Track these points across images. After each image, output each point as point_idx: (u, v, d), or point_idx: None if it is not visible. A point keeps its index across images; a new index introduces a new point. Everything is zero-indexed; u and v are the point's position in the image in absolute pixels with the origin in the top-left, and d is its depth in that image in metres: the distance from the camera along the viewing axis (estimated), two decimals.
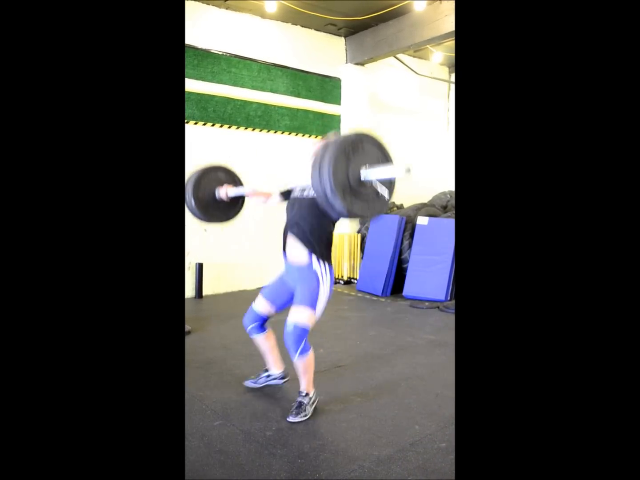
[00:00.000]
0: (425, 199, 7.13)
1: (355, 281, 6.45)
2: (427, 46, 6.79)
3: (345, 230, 6.73)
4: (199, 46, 5.56)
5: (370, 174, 1.90)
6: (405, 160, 2.02)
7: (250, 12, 5.89)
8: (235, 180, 3.05)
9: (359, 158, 1.91)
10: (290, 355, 2.47)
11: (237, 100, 5.87)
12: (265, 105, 6.11)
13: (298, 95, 6.39)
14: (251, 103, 5.99)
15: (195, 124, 5.58)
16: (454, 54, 7.11)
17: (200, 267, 5.57)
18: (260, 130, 6.11)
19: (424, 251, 5.58)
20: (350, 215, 1.91)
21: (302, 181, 2.63)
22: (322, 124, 6.64)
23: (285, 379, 2.89)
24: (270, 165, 6.22)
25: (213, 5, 5.65)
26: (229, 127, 5.85)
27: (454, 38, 5.56)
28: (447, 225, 5.52)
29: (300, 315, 2.45)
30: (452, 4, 5.28)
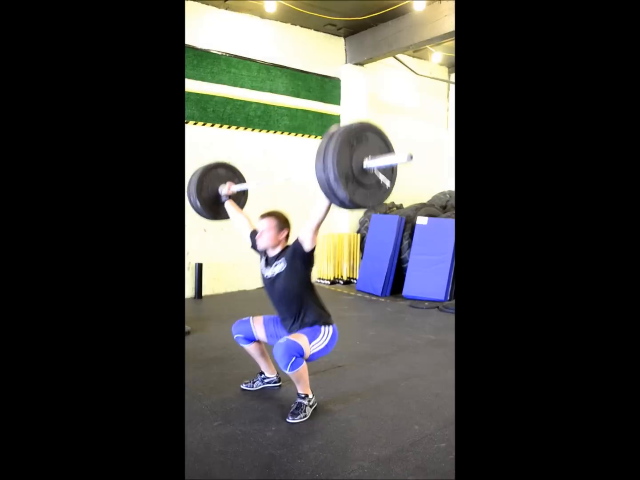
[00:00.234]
0: (425, 199, 7.13)
1: (355, 281, 6.46)
2: (427, 46, 6.79)
3: (344, 230, 6.73)
4: (199, 46, 5.56)
5: (373, 162, 1.92)
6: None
7: (249, 12, 5.89)
8: (235, 174, 3.06)
9: (362, 147, 1.92)
10: (281, 367, 2.41)
11: (237, 100, 5.87)
12: (265, 105, 6.11)
13: (297, 95, 6.39)
14: (251, 103, 5.99)
15: (195, 124, 5.59)
16: (453, 54, 7.11)
17: (199, 267, 5.57)
18: (260, 131, 6.12)
19: (423, 251, 5.58)
20: (352, 203, 1.91)
21: (262, 265, 2.66)
22: (322, 124, 6.64)
23: (280, 383, 2.89)
24: (270, 166, 6.22)
25: (212, 6, 5.65)
26: (229, 127, 5.85)
27: (453, 38, 5.57)
28: (447, 225, 5.52)
29: (295, 337, 2.44)
30: (452, 4, 5.29)
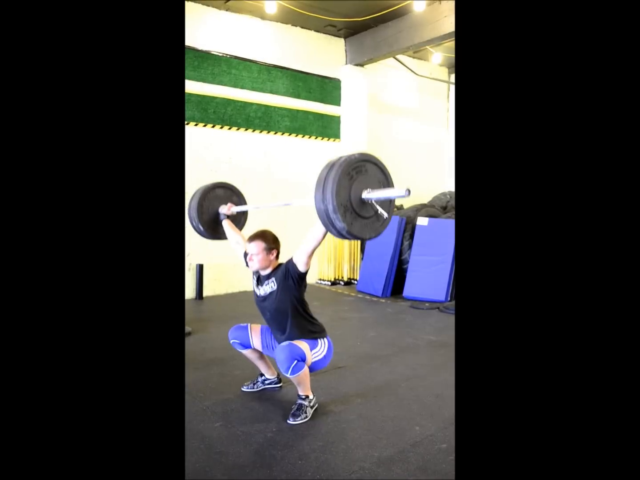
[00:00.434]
0: (425, 199, 7.13)
1: (356, 282, 6.46)
2: (427, 47, 6.79)
3: None
4: (199, 48, 5.57)
5: (372, 195, 1.95)
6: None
7: (250, 13, 5.90)
8: (234, 192, 3.07)
9: (362, 179, 1.95)
10: (282, 371, 2.42)
11: (238, 101, 5.88)
12: (266, 106, 6.11)
13: (298, 96, 6.39)
14: (251, 104, 6.00)
15: (196, 125, 5.59)
16: (453, 55, 7.12)
17: (200, 268, 5.58)
18: (261, 132, 6.12)
19: (424, 252, 5.58)
20: (349, 234, 1.94)
21: (254, 283, 2.67)
22: (322, 125, 6.65)
23: (280, 384, 2.90)
24: (271, 166, 6.23)
25: (213, 7, 5.66)
26: (230, 129, 5.85)
27: (453, 39, 5.57)
28: (447, 226, 5.52)
29: (297, 342, 2.46)
30: (452, 5, 5.29)
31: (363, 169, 1.97)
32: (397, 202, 6.95)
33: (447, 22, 5.37)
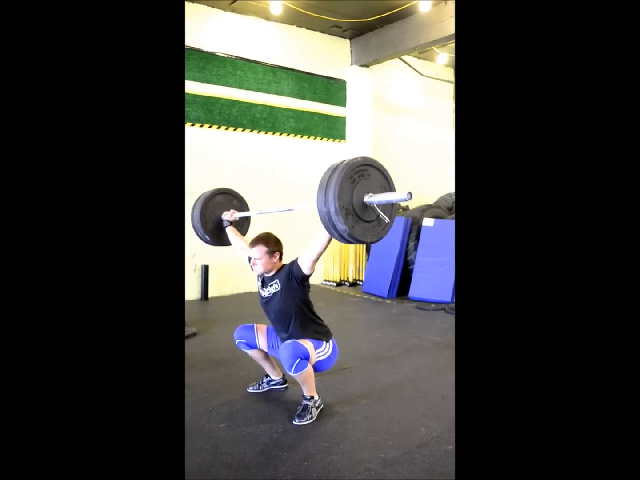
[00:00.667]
0: (431, 200, 7.12)
1: (361, 283, 6.45)
2: (432, 47, 6.78)
3: None
4: (205, 49, 5.58)
5: (373, 199, 1.97)
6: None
7: (255, 14, 5.91)
8: (234, 196, 3.07)
9: (364, 182, 1.97)
10: (286, 369, 2.42)
11: (243, 102, 5.89)
12: (271, 107, 6.12)
13: (303, 97, 6.40)
14: (256, 105, 6.01)
15: (201, 126, 5.61)
16: None
17: (206, 269, 5.59)
18: (266, 133, 6.13)
19: (429, 253, 5.57)
20: (351, 237, 1.94)
21: (259, 285, 2.68)
22: (328, 126, 6.65)
23: (285, 385, 2.90)
24: (276, 167, 6.24)
25: (218, 8, 5.67)
26: (235, 130, 5.87)
27: None
28: (453, 227, 5.50)
29: (301, 341, 2.46)
30: None
31: (366, 173, 1.98)
32: (403, 203, 6.94)
33: (453, 23, 5.35)
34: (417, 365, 3.36)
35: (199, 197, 2.98)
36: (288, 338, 2.53)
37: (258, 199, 5.48)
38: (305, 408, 2.47)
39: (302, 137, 6.44)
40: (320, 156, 6.55)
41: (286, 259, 2.64)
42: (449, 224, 5.61)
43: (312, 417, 2.45)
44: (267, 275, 2.61)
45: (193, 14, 5.42)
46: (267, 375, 2.89)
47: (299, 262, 2.47)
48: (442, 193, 7.36)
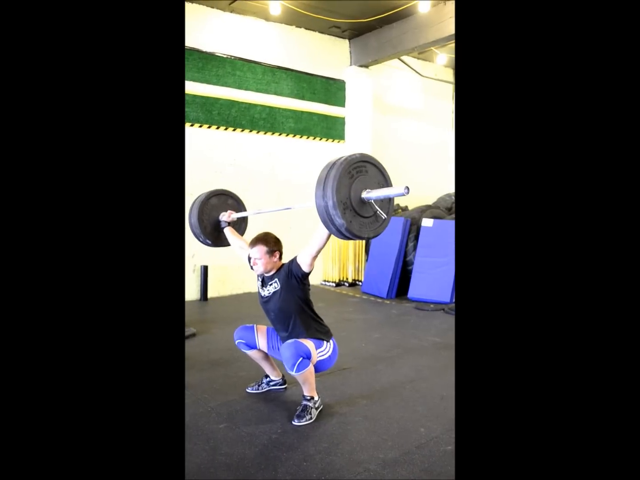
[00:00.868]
0: (430, 200, 7.12)
1: (360, 283, 6.45)
2: (432, 48, 6.79)
3: None
4: (204, 49, 5.58)
5: (371, 194, 1.98)
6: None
7: (254, 15, 5.91)
8: (229, 196, 3.07)
9: (362, 178, 1.98)
10: (287, 368, 2.42)
11: (242, 103, 5.89)
12: (270, 107, 6.12)
13: (302, 97, 6.40)
14: (256, 106, 6.00)
15: (200, 126, 5.60)
16: None
17: (205, 269, 5.58)
18: (265, 133, 6.13)
19: (429, 253, 5.57)
20: (348, 232, 1.95)
21: (259, 285, 2.68)
22: (327, 126, 6.65)
23: (285, 386, 2.90)
24: (275, 168, 6.23)
25: (217, 9, 5.67)
26: (234, 130, 5.87)
27: None
28: (452, 227, 5.50)
29: (302, 340, 2.47)
30: None
31: (363, 169, 1.99)
32: (402, 203, 6.95)
33: (452, 23, 5.35)
34: (417, 366, 3.36)
35: (193, 202, 2.97)
36: (288, 337, 2.53)
37: (257, 199, 5.48)
38: (305, 408, 2.47)
39: (301, 137, 6.44)
40: (320, 156, 6.55)
41: (285, 259, 2.64)
42: (448, 225, 5.61)
43: (311, 418, 2.45)
44: (266, 274, 2.61)
45: (192, 14, 5.42)
46: (266, 376, 2.89)
47: (298, 260, 2.47)
48: (441, 193, 7.36)
